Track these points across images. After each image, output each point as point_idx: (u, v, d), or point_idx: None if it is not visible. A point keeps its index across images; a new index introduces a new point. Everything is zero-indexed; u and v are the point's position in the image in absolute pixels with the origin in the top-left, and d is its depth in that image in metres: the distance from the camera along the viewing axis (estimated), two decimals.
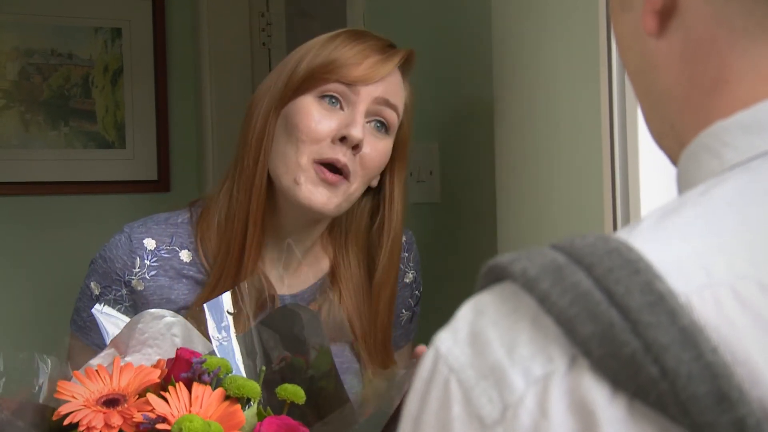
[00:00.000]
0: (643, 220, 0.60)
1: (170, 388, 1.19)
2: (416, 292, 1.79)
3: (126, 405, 1.19)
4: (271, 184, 1.56)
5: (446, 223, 2.10)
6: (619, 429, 0.52)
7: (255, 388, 1.21)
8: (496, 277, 0.60)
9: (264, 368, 1.30)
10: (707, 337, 0.52)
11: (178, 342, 1.35)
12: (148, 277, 1.57)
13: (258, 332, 1.37)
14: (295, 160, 1.51)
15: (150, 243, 1.58)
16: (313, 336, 1.35)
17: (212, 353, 1.31)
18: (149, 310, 1.38)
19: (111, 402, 1.21)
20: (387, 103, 1.55)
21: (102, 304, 1.53)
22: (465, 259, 2.03)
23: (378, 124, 1.56)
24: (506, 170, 1.81)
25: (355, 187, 1.54)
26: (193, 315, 1.46)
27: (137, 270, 1.57)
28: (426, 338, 1.98)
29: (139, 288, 1.56)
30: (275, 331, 1.37)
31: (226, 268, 1.56)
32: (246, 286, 1.47)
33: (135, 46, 3.38)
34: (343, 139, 1.51)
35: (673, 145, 0.72)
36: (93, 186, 3.33)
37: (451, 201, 2.09)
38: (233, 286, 1.48)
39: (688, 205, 0.60)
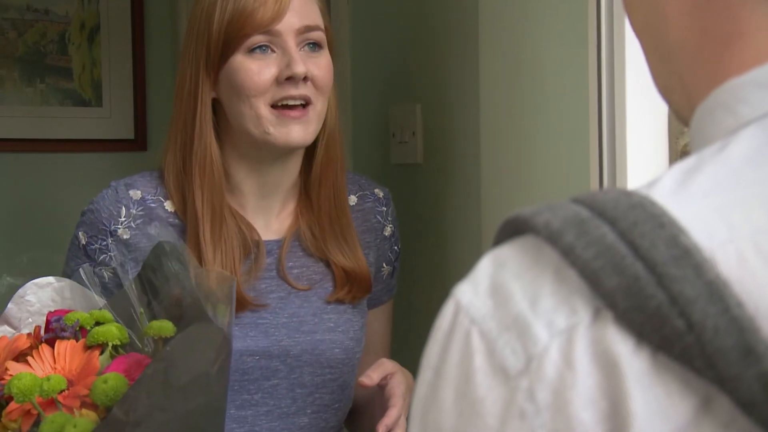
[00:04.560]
0: (662, 177, 0.61)
1: (34, 351, 1.24)
2: (395, 247, 1.82)
3: None
4: (238, 140, 1.63)
5: (429, 184, 2.10)
6: (642, 381, 0.53)
7: (110, 332, 1.25)
8: (516, 230, 0.60)
9: (143, 311, 1.32)
10: (732, 291, 0.52)
11: (70, 304, 1.36)
12: (134, 225, 1.60)
13: (142, 277, 1.38)
14: (255, 114, 1.58)
15: (136, 194, 1.63)
16: (178, 265, 1.37)
17: (105, 308, 1.33)
18: (33, 281, 1.40)
19: None
20: (309, 29, 1.61)
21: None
22: (448, 221, 2.03)
23: (310, 46, 1.61)
24: (491, 131, 1.81)
25: (320, 107, 1.61)
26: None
27: (123, 219, 1.60)
28: (410, 297, 1.99)
29: (125, 237, 1.60)
30: (155, 272, 1.38)
31: (200, 235, 1.60)
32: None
33: (112, 3, 3.34)
34: (289, 79, 1.57)
35: (681, 100, 0.72)
36: (69, 144, 3.31)
37: (433, 162, 2.09)
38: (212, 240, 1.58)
39: (707, 162, 0.60)
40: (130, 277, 1.44)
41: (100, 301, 1.39)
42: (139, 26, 3.37)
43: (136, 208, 1.61)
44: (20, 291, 1.37)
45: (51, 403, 1.16)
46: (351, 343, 1.66)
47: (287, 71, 1.56)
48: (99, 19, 3.33)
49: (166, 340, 1.26)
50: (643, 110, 1.49)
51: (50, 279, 1.40)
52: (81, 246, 1.60)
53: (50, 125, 3.29)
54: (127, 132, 3.36)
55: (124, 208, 1.61)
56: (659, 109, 1.49)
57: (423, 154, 2.13)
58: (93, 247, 1.59)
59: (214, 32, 1.58)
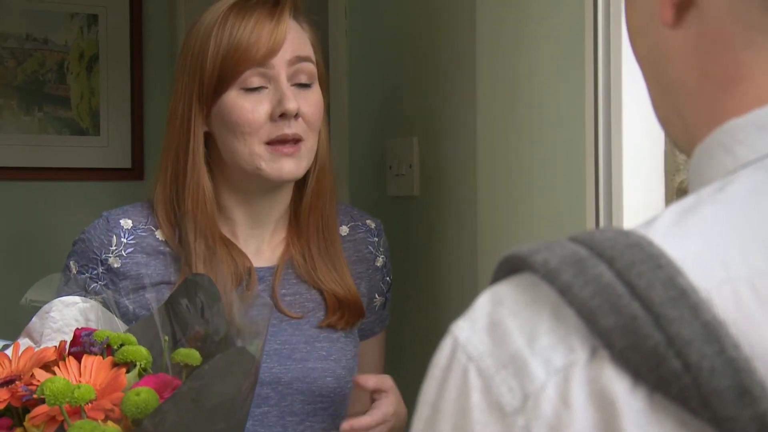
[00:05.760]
0: (660, 216, 0.61)
1: (60, 362, 1.25)
2: (387, 278, 1.82)
3: (19, 383, 1.24)
4: (229, 172, 1.64)
5: (425, 217, 2.11)
6: (639, 420, 0.53)
7: (140, 352, 1.27)
8: (513, 267, 0.60)
9: (167, 337, 1.34)
10: (729, 332, 0.53)
11: (93, 326, 1.38)
12: (124, 254, 1.62)
13: (169, 308, 1.40)
14: (248, 151, 1.59)
15: (127, 223, 1.64)
16: (208, 299, 1.38)
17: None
18: (60, 298, 1.42)
19: (7, 383, 1.24)
20: (300, 59, 1.61)
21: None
22: (444, 253, 2.03)
23: (299, 86, 1.61)
24: (488, 164, 1.81)
25: (311, 143, 1.62)
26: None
27: (114, 248, 1.62)
28: (405, 331, 1.99)
29: (115, 265, 1.61)
30: (183, 305, 1.39)
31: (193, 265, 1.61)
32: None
33: (111, 32, 3.35)
34: (282, 115, 1.57)
35: (680, 133, 0.72)
36: (66, 172, 3.31)
37: (430, 194, 2.10)
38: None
39: (705, 202, 0.60)
40: (120, 306, 1.45)
41: (122, 326, 1.41)
42: (138, 56, 3.38)
43: (127, 237, 1.62)
44: (46, 306, 1.39)
45: (76, 412, 1.17)
46: (343, 372, 1.65)
47: (279, 108, 1.57)
48: (98, 49, 3.34)
49: (191, 368, 1.28)
50: (639, 148, 1.50)
51: (77, 299, 1.41)
52: (72, 276, 1.61)
53: (48, 154, 3.29)
54: (124, 161, 3.37)
55: (115, 237, 1.62)
56: (655, 147, 1.50)
57: (419, 186, 2.13)
58: (84, 276, 1.60)
59: (208, 67, 1.59)
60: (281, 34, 1.58)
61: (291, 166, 1.59)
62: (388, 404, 1.56)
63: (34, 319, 1.39)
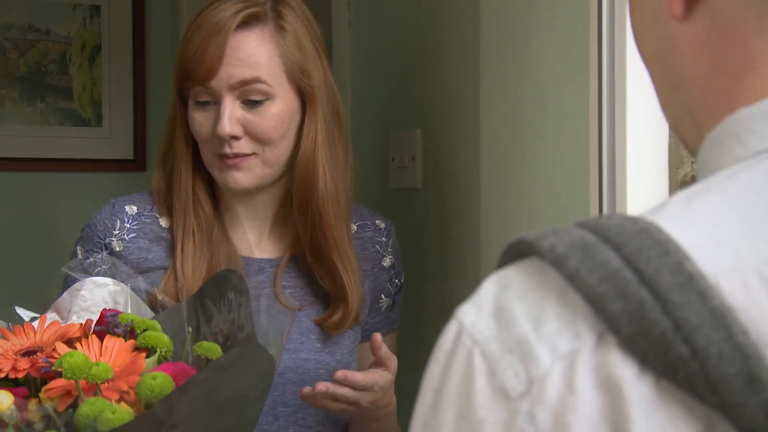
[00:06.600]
0: (668, 203, 0.61)
1: (83, 339, 1.27)
2: (396, 280, 1.80)
3: (40, 354, 1.25)
4: None
5: (428, 209, 2.10)
6: (646, 406, 0.53)
7: (162, 339, 1.28)
8: (520, 253, 0.60)
9: (191, 329, 1.35)
10: (737, 319, 0.52)
11: (122, 310, 1.39)
12: (127, 238, 1.64)
13: (197, 299, 1.41)
14: (206, 158, 1.62)
15: (131, 209, 1.66)
16: (237, 296, 1.38)
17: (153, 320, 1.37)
18: (92, 278, 1.45)
19: (29, 353, 1.26)
20: (244, 82, 1.57)
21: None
22: (447, 245, 2.03)
23: (250, 103, 1.59)
24: (491, 157, 1.81)
25: (267, 154, 1.61)
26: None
27: (117, 232, 1.64)
28: (409, 322, 1.99)
29: (117, 249, 1.63)
30: (211, 300, 1.40)
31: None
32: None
33: (114, 24, 3.35)
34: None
35: (690, 131, 0.72)
36: (68, 163, 3.31)
37: (433, 187, 2.10)
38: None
39: (714, 190, 0.60)
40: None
41: (149, 314, 1.43)
42: (140, 47, 3.37)
43: (130, 222, 1.64)
44: (77, 284, 1.43)
45: (91, 389, 1.18)
46: (338, 365, 1.63)
47: (215, 129, 1.57)
48: (100, 40, 3.34)
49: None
50: (643, 140, 1.49)
51: (108, 281, 1.44)
52: (78, 261, 1.61)
53: (50, 145, 3.28)
54: (126, 152, 3.36)
55: (118, 221, 1.64)
56: (660, 140, 1.49)
57: (422, 179, 2.13)
58: (89, 260, 1.60)
59: (176, 76, 1.63)
60: (218, 56, 1.56)
61: (238, 177, 1.60)
62: (384, 377, 1.55)
63: (64, 294, 1.42)
